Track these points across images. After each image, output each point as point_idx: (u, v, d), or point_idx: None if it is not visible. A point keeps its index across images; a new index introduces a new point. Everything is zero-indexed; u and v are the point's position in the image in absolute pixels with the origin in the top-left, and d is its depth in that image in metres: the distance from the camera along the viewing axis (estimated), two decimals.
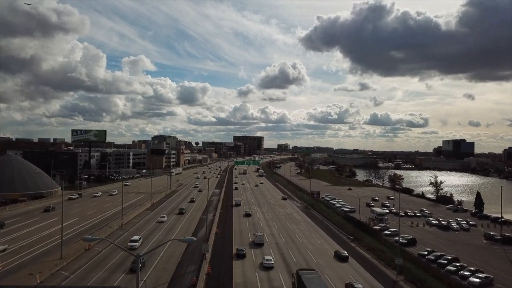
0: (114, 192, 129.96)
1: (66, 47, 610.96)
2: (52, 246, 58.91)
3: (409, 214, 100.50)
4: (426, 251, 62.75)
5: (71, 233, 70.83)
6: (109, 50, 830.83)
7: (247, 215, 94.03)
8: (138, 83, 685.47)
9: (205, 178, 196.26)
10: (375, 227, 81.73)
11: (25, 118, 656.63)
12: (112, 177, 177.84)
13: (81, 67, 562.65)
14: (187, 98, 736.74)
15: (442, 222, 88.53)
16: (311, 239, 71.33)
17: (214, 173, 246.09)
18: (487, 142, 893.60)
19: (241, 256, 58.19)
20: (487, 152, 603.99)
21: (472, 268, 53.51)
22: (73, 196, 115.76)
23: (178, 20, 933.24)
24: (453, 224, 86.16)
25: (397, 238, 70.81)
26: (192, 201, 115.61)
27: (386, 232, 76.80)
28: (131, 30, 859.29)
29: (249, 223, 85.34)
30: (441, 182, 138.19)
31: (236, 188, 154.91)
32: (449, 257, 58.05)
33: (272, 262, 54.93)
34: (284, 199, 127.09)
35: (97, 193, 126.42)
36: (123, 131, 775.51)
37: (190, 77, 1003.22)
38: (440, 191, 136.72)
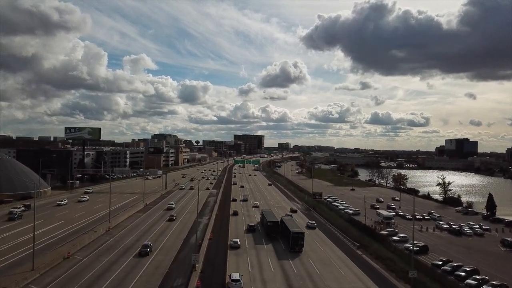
0: (84, 198, 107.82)
1: (68, 46, 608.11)
2: (26, 255, 52.93)
3: (417, 217, 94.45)
4: (441, 260, 56.80)
5: (53, 238, 65.00)
6: (110, 48, 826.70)
7: (241, 186, 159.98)
8: (139, 81, 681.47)
9: (191, 188, 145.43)
10: (382, 232, 75.83)
11: (26, 116, 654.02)
12: (108, 177, 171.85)
13: (82, 66, 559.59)
14: (188, 96, 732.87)
15: (454, 226, 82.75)
16: (313, 245, 65.53)
17: (208, 178, 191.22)
18: (488, 142, 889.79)
19: (234, 200, 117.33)
20: (488, 152, 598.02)
21: (495, 282, 47.66)
22: (16, 210, 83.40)
23: (179, 19, 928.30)
24: (465, 229, 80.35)
25: (407, 245, 65.47)
26: (144, 253, 55.29)
27: (395, 238, 70.99)
28: (132, 28, 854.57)
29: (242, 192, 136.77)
30: (449, 183, 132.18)
31: (235, 176, 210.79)
32: (468, 269, 52.15)
33: (258, 204, 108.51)
34: (270, 185, 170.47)
35: (62, 200, 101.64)
36: (124, 129, 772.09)
37: (191, 76, 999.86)
38: (448, 192, 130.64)
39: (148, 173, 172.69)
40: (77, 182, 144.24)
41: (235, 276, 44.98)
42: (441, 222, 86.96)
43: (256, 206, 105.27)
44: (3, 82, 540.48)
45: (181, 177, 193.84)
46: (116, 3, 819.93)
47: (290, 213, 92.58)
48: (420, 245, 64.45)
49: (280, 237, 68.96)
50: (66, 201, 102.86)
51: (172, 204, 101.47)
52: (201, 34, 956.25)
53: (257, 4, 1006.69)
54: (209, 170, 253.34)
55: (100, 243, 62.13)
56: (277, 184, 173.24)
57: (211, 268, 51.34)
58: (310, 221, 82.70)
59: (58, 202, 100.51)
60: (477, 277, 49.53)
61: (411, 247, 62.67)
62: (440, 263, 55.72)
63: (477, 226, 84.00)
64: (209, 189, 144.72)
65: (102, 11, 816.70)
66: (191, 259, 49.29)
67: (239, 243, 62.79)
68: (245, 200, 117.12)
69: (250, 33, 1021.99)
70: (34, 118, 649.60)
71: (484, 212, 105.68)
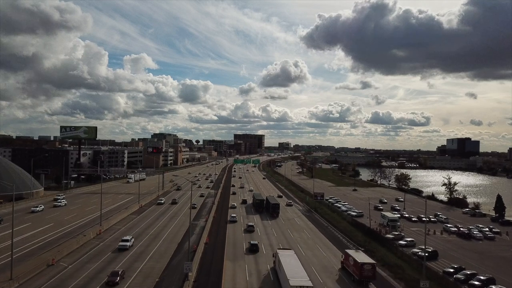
0: (60, 203, 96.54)
1: (68, 45, 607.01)
2: (5, 262, 49.05)
3: (423, 219, 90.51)
4: (453, 268, 52.96)
5: (39, 242, 61.19)
6: (110, 48, 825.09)
7: (239, 177, 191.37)
8: (140, 81, 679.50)
9: (173, 203, 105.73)
10: (388, 235, 71.95)
11: (27, 116, 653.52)
12: (105, 176, 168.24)
13: (83, 65, 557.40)
14: (189, 96, 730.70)
15: (462, 229, 78.81)
16: (315, 250, 61.86)
17: (200, 186, 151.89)
18: (489, 141, 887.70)
19: (233, 185, 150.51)
20: (489, 151, 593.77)
21: None
22: None
23: (179, 18, 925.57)
24: (475, 232, 76.45)
25: (416, 250, 61.99)
26: None
27: (401, 242, 67.11)
28: (132, 28, 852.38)
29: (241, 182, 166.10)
30: (455, 183, 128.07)
31: (234, 170, 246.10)
32: (483, 277, 48.27)
33: (252, 188, 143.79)
34: (264, 178, 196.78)
35: (37, 206, 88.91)
36: (125, 129, 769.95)
37: (191, 75, 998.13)
38: (453, 192, 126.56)
39: (135, 173, 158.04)
40: (72, 182, 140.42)
41: (233, 214, 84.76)
42: (448, 225, 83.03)
43: (251, 190, 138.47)
44: (4, 81, 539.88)
45: (170, 181, 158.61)
46: (116, 2, 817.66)
47: (276, 196, 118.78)
48: (429, 250, 60.57)
49: (264, 210, 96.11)
50: (42, 207, 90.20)
51: (127, 240, 59.03)
52: (201, 33, 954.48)
53: (257, 3, 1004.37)
54: (204, 174, 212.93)
55: (88, 248, 58.36)
56: (273, 180, 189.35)
57: (206, 277, 47.51)
58: (288, 200, 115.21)
59: (32, 209, 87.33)
60: (493, 287, 45.68)
61: (420, 252, 59.29)
62: (452, 270, 51.90)
63: (487, 229, 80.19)
64: (195, 207, 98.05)
65: (102, 10, 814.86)
66: (183, 268, 45.52)
67: (235, 205, 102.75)
68: (241, 187, 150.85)
69: (251, 33, 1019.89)
70: (35, 117, 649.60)
71: (492, 213, 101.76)
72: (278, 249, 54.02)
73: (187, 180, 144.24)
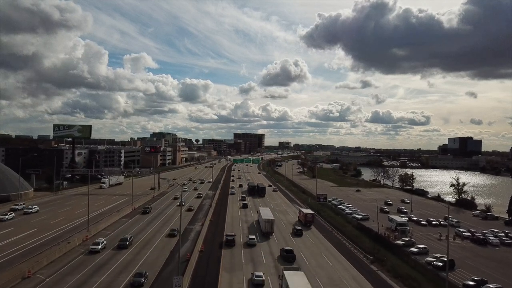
0: (32, 208, 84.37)
1: (68, 44, 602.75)
2: None
3: (432, 222, 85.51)
4: (473, 280, 47.70)
5: (19, 250, 56.02)
6: (110, 47, 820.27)
7: (238, 170, 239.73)
8: (140, 80, 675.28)
9: (122, 247, 57.92)
10: (398, 241, 66.73)
11: (27, 115, 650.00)
12: (100, 177, 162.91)
13: (83, 64, 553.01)
14: (189, 95, 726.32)
15: (477, 234, 73.52)
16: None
17: (183, 203, 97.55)
18: (489, 140, 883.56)
19: (233, 175, 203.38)
20: (490, 151, 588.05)
21: None
22: None
23: (178, 17, 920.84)
24: (491, 238, 71.12)
25: (430, 259, 56.81)
26: None
27: (413, 249, 61.83)
28: (131, 27, 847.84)
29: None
30: (464, 184, 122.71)
31: (235, 165, 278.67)
32: None
33: (249, 178, 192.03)
34: (259, 173, 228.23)
35: (6, 214, 76.61)
36: (125, 128, 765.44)
37: (191, 74, 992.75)
38: (462, 194, 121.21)
39: (108, 177, 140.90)
40: (65, 183, 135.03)
41: (233, 190, 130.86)
42: (461, 229, 77.67)
43: (248, 179, 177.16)
44: (4, 80, 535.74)
45: (151, 188, 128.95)
46: (116, 1, 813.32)
47: (267, 186, 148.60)
48: (445, 259, 55.34)
49: (255, 193, 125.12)
50: (13, 214, 78.37)
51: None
52: (201, 32, 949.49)
53: (257, 2, 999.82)
54: (194, 181, 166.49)
55: (71, 258, 53.06)
56: (273, 180, 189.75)
57: None
58: (273, 187, 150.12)
59: (0, 217, 75.39)
60: None
61: (435, 262, 54.27)
62: (473, 283, 46.66)
63: (503, 233, 74.94)
64: (142, 283, 43.43)
65: (102, 9, 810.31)
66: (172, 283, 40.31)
67: (234, 186, 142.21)
68: (239, 178, 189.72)
69: (250, 32, 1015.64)
70: (35, 116, 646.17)
71: (505, 216, 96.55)
72: (260, 207, 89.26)
73: (146, 207, 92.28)
